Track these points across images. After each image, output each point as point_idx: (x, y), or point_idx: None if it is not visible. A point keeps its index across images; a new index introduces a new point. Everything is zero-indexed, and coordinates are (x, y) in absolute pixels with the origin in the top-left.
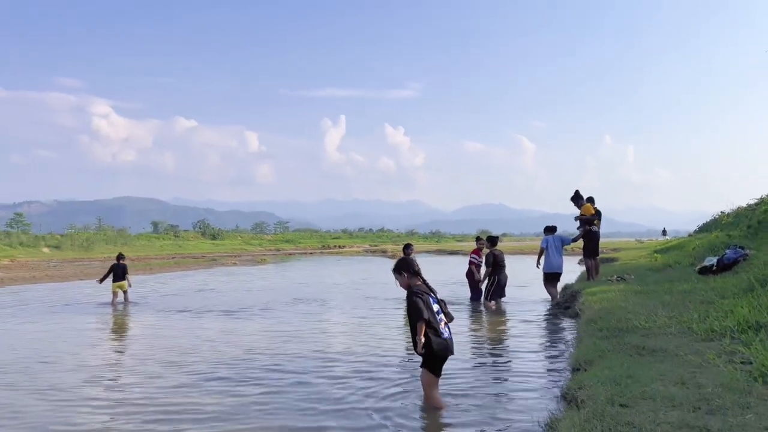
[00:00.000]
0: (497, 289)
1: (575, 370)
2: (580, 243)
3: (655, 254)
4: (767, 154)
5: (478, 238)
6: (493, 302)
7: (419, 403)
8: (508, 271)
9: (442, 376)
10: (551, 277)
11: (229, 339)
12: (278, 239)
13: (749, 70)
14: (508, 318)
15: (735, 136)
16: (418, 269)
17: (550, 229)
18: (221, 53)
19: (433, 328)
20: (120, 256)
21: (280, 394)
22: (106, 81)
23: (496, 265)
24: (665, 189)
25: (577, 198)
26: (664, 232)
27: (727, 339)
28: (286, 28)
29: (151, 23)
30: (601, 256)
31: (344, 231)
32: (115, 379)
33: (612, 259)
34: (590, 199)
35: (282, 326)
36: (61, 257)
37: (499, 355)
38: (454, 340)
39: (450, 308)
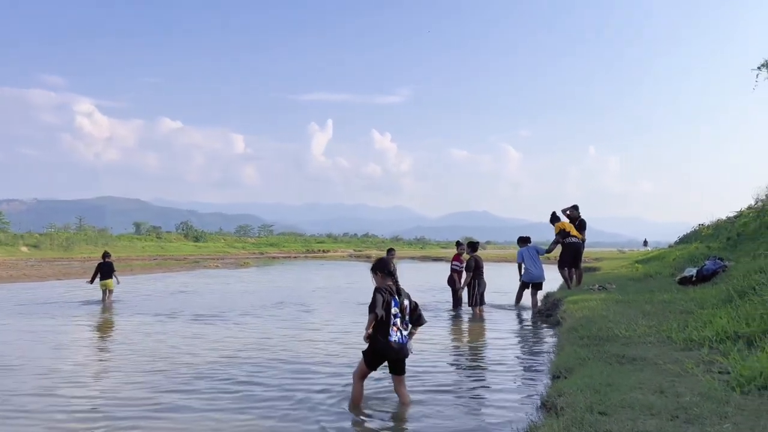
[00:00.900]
0: (479, 295)
1: (555, 377)
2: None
3: (637, 264)
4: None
5: (458, 243)
6: (478, 308)
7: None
8: (487, 278)
9: (418, 378)
10: (533, 287)
11: (199, 345)
12: (262, 242)
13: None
14: (488, 325)
15: (716, 150)
16: (393, 270)
17: (523, 240)
18: (210, 55)
19: (382, 327)
20: (105, 254)
21: (236, 407)
22: (90, 79)
23: (477, 270)
24: (647, 200)
25: (554, 220)
26: (645, 243)
27: (706, 349)
28: (277, 32)
29: (139, 22)
30: (583, 265)
31: (329, 235)
32: (56, 388)
33: (594, 269)
34: (575, 207)
35: (256, 332)
36: (40, 257)
37: (479, 362)
38: (413, 348)
39: (429, 315)
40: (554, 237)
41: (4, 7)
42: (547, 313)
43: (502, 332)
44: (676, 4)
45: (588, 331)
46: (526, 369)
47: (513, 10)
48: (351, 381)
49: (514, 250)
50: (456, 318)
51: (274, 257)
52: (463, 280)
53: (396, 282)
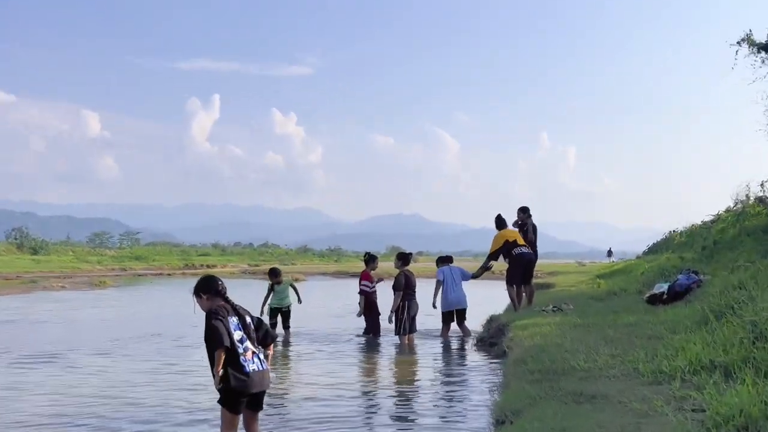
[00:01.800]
0: (409, 320)
1: (499, 422)
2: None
3: (598, 280)
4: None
5: (371, 257)
6: (407, 337)
7: None
8: (420, 298)
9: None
10: (452, 316)
11: (16, 399)
12: (125, 255)
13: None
14: (418, 359)
15: (695, 144)
16: (222, 289)
17: (444, 260)
18: (56, 8)
19: (233, 360)
20: None
21: None
22: None
23: (408, 289)
24: (611, 201)
25: (501, 225)
26: (609, 253)
27: (677, 382)
28: None
29: None
30: (535, 280)
31: (215, 246)
32: None
33: (547, 285)
34: (523, 210)
35: (105, 378)
36: None
37: (406, 405)
38: (270, 375)
39: (339, 347)
40: (495, 249)
41: None
42: (489, 341)
43: (434, 368)
44: None
45: (539, 364)
46: (463, 414)
47: None
48: None
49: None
50: (375, 350)
51: (140, 274)
52: (392, 303)
53: (228, 300)
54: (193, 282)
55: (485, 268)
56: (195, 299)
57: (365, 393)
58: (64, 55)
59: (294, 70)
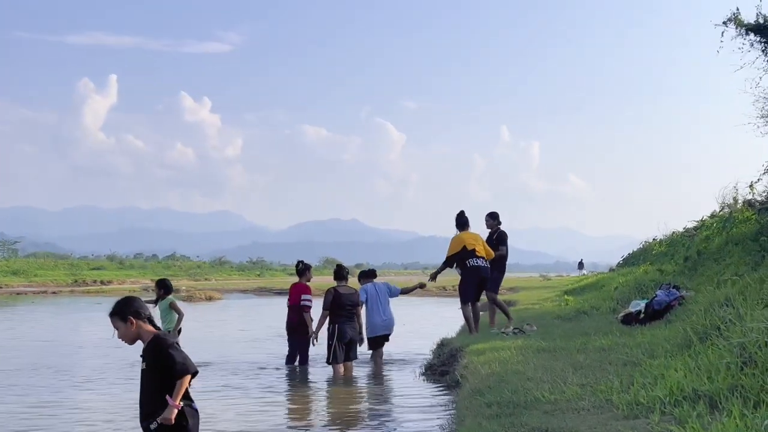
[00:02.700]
0: (342, 347)
1: None
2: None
3: (566, 296)
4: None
5: (303, 267)
6: (343, 365)
7: None
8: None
9: None
10: (376, 343)
11: None
12: (0, 269)
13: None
14: (357, 388)
15: (677, 140)
16: (149, 314)
17: (366, 275)
18: None
19: (187, 392)
20: None
21: None
22: None
23: (340, 310)
24: (580, 204)
25: (462, 226)
26: (580, 266)
27: (657, 415)
28: None
29: None
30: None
31: (111, 257)
32: None
33: (508, 303)
34: (493, 215)
35: None
36: None
37: None
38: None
39: (261, 378)
40: (452, 254)
41: None
42: (440, 369)
43: (373, 399)
44: None
45: (498, 396)
46: None
47: None
48: None
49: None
50: (301, 382)
51: (18, 293)
52: (316, 322)
53: (158, 328)
54: (84, 302)
55: (420, 286)
56: (117, 323)
57: (297, 420)
58: None
59: (208, 47)
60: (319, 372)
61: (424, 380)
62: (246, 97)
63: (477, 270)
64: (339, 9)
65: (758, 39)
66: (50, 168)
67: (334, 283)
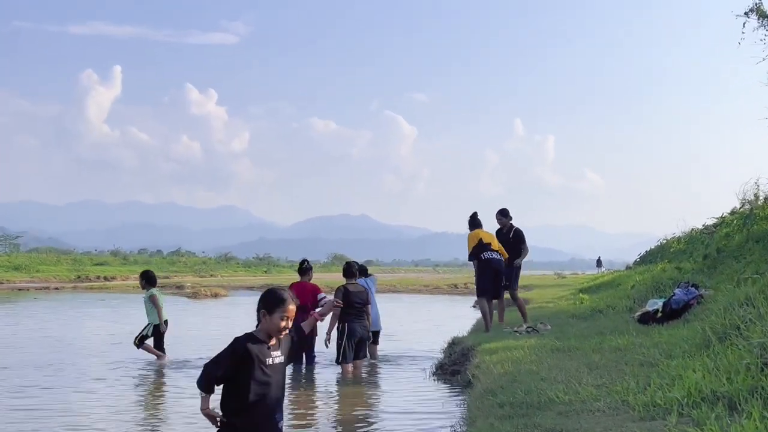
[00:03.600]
0: (352, 346)
1: None
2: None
3: (581, 295)
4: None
5: (307, 266)
6: (351, 365)
7: None
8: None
9: None
10: (374, 339)
11: None
12: (1, 264)
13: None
14: (362, 389)
15: (697, 135)
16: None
17: (360, 271)
18: None
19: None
20: None
21: None
22: None
23: (350, 308)
24: (596, 200)
25: (474, 225)
26: (599, 264)
27: (674, 416)
28: None
29: None
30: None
31: (114, 253)
32: None
33: None
34: (504, 212)
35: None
36: None
37: None
38: None
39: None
40: (473, 247)
41: None
42: (451, 368)
43: (382, 399)
44: None
45: (511, 396)
46: None
47: None
48: None
49: (406, 273)
50: (309, 381)
51: (20, 288)
52: (329, 324)
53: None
54: (87, 298)
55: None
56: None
57: (306, 418)
58: None
59: (215, 38)
60: (326, 371)
61: (434, 380)
62: (252, 89)
63: (489, 263)
64: (346, 1)
65: None
66: (53, 162)
67: (343, 281)
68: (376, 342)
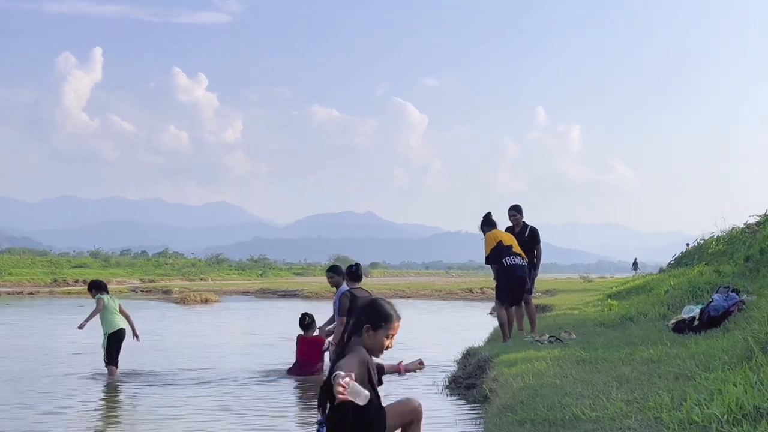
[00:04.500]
0: None
1: None
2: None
3: (610, 300)
4: None
5: (309, 322)
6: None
7: None
8: None
9: None
10: None
11: None
12: None
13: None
14: None
15: (738, 124)
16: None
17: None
18: None
19: None
20: None
21: None
22: None
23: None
24: (626, 196)
25: (488, 226)
26: (635, 266)
27: None
28: None
29: None
30: (534, 299)
31: (94, 254)
32: None
33: (543, 307)
34: (518, 208)
35: None
36: None
37: None
38: None
39: (266, 386)
40: (490, 249)
41: None
42: (466, 382)
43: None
44: None
45: (532, 412)
46: None
47: None
48: None
49: (416, 277)
50: (307, 394)
51: None
52: (334, 333)
53: None
54: (65, 304)
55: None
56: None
57: None
58: None
59: (205, 17)
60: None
61: (447, 394)
62: (247, 73)
63: (513, 269)
64: None
65: None
66: (26, 154)
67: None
68: None
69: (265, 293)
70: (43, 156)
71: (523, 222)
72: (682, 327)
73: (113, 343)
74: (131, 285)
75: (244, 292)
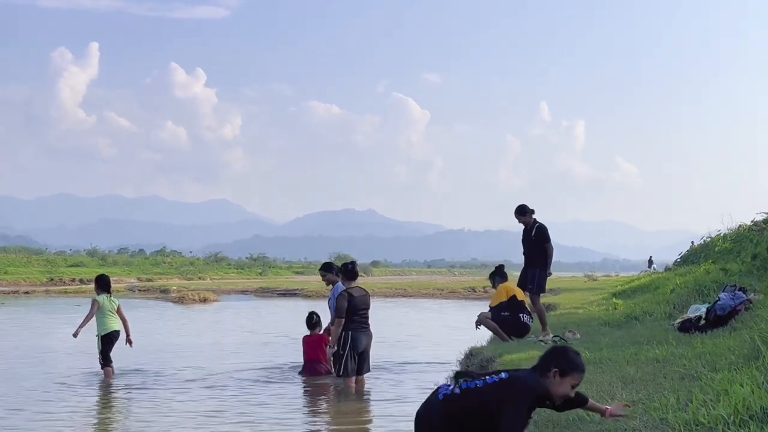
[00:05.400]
0: (355, 357)
1: None
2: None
3: (615, 299)
4: None
5: (316, 321)
6: (354, 379)
7: None
8: (374, 324)
9: None
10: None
11: None
12: None
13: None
14: (371, 406)
15: (745, 119)
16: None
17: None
18: None
19: None
20: None
21: None
22: None
23: (355, 315)
24: (632, 194)
25: (502, 276)
26: (650, 263)
27: None
28: None
29: None
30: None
31: (91, 253)
32: None
33: (547, 306)
34: (523, 210)
35: None
36: None
37: None
38: None
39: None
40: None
41: None
42: None
43: (391, 418)
44: None
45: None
46: None
47: None
48: None
49: (417, 275)
50: (313, 394)
51: None
52: (331, 332)
53: None
54: (61, 303)
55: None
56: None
57: None
58: None
59: (202, 12)
60: (325, 385)
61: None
62: (246, 69)
63: (526, 328)
64: None
65: None
66: (21, 151)
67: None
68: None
69: (264, 292)
70: (38, 153)
71: (533, 219)
72: (688, 326)
73: (105, 345)
74: (129, 284)
75: (243, 291)
